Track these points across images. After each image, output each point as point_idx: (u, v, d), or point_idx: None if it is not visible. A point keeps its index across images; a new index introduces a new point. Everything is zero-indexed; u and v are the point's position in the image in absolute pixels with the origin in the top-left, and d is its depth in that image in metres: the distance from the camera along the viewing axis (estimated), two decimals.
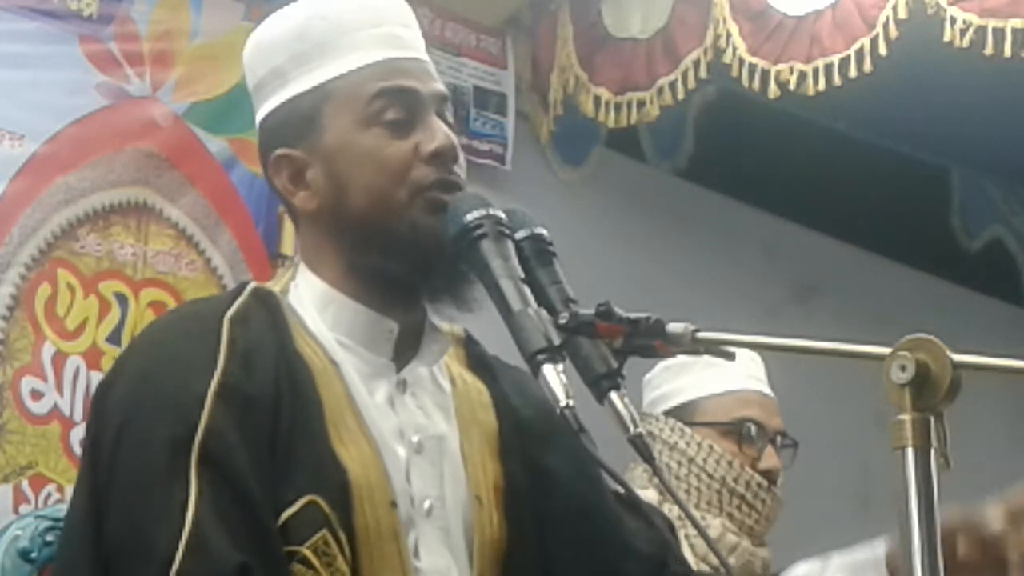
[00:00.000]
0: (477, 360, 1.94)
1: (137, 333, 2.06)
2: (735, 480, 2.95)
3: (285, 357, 1.75)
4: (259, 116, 1.89)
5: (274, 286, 1.86)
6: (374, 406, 1.78)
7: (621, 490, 1.84)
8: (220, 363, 1.70)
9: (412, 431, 1.80)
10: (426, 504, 1.77)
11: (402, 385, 1.82)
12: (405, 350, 1.84)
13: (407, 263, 1.79)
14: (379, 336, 1.82)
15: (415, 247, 1.77)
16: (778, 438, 3.03)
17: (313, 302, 1.83)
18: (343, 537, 1.68)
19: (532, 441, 1.87)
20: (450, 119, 1.86)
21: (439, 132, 1.80)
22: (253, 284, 1.84)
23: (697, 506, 2.95)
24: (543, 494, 1.85)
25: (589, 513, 1.87)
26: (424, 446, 1.80)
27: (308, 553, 1.67)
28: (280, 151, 1.85)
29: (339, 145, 1.81)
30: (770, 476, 3.00)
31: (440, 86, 1.86)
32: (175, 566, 1.59)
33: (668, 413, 3.05)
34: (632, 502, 1.89)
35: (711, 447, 2.97)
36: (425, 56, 1.89)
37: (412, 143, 1.80)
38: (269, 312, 1.79)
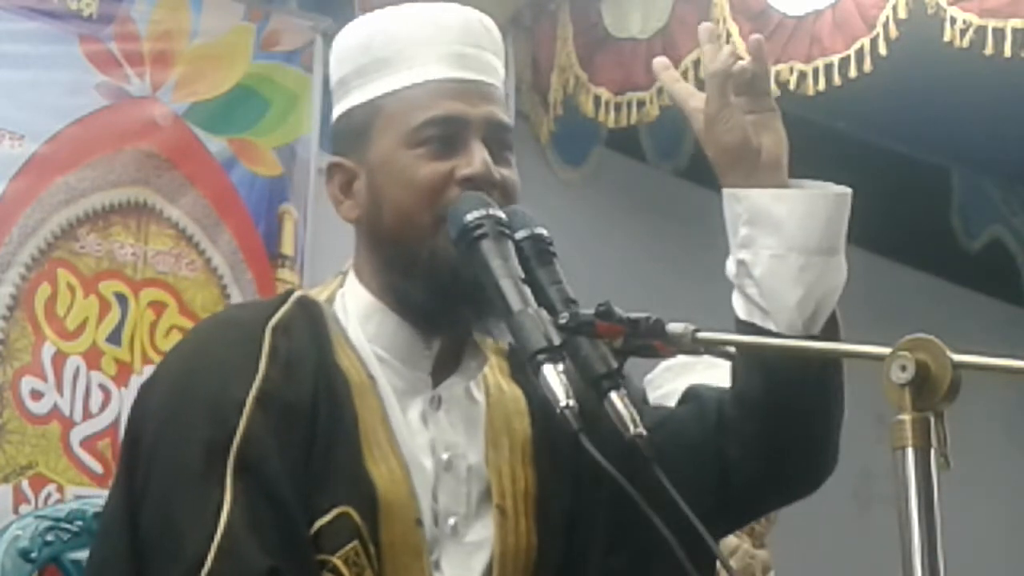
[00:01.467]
0: (520, 368, 1.93)
1: (180, 337, 2.07)
2: None
3: (325, 369, 1.76)
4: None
5: (320, 294, 1.87)
6: (406, 424, 1.78)
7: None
8: (261, 370, 1.71)
9: (442, 448, 1.80)
10: (451, 521, 1.78)
11: (436, 401, 1.82)
12: (445, 364, 1.84)
13: (425, 290, 1.78)
14: (418, 352, 1.82)
15: (432, 275, 1.77)
16: None
17: (357, 313, 1.83)
18: (372, 550, 1.70)
19: (568, 441, 1.87)
20: (507, 143, 1.83)
21: (477, 158, 1.78)
22: (298, 293, 1.84)
23: None
24: (585, 488, 1.84)
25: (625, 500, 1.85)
26: (453, 464, 1.80)
27: (339, 562, 1.68)
28: (334, 159, 1.87)
29: (381, 161, 1.81)
30: None
31: (494, 110, 1.83)
32: (205, 568, 1.61)
33: None
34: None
35: None
36: (488, 77, 1.85)
37: (449, 166, 1.78)
38: (312, 322, 1.80)
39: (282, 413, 1.70)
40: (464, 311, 1.78)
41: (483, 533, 1.79)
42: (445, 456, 1.80)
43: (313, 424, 1.71)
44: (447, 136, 1.79)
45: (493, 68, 1.87)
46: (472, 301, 1.75)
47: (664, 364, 3.05)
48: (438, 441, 1.80)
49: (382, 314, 1.82)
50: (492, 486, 1.81)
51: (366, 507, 1.70)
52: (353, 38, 1.89)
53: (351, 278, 1.86)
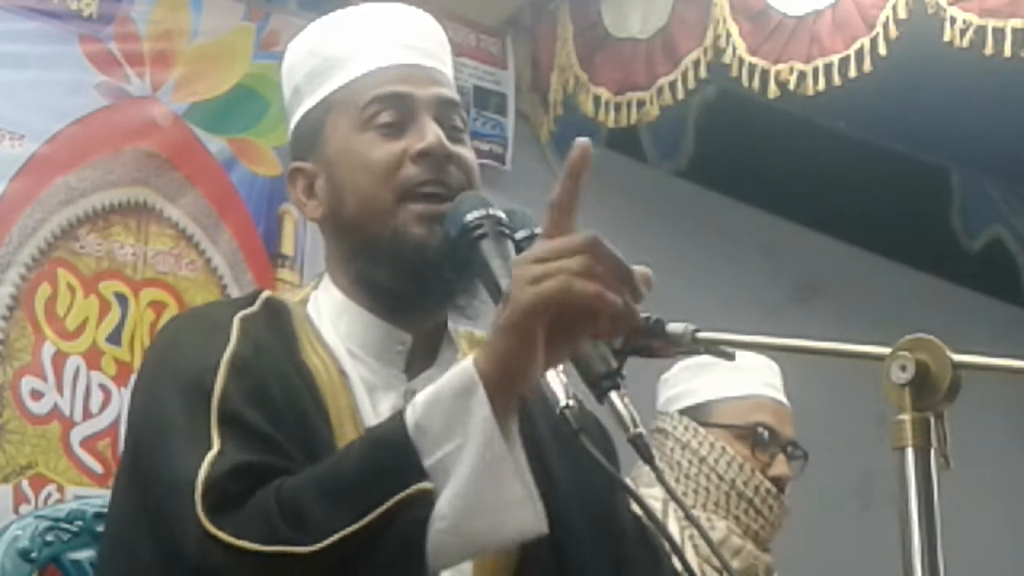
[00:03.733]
0: None
1: (151, 335, 2.07)
2: (745, 483, 2.95)
3: (293, 364, 1.76)
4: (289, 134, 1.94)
5: (294, 296, 1.89)
6: (376, 418, 1.78)
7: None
8: (232, 343, 1.72)
9: None
10: None
11: (410, 396, 1.82)
12: (420, 359, 1.84)
13: (391, 272, 1.79)
14: (390, 347, 1.83)
15: (397, 257, 1.78)
16: (789, 447, 3.03)
17: (329, 312, 1.84)
18: None
19: (547, 450, 1.87)
20: (459, 125, 1.86)
21: (429, 132, 1.81)
22: (266, 293, 1.86)
23: (704, 507, 2.95)
24: (555, 502, 1.84)
25: (598, 520, 1.86)
26: None
27: None
28: (295, 164, 1.90)
29: (337, 152, 1.84)
30: (779, 483, 2.99)
31: (443, 91, 1.86)
32: (203, 469, 1.58)
33: (683, 412, 3.05)
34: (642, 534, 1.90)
35: (724, 449, 2.96)
36: (434, 63, 1.88)
37: (403, 145, 1.81)
38: (278, 322, 1.81)
39: (255, 380, 1.69)
40: (433, 290, 1.79)
41: None
42: None
43: (287, 402, 1.70)
44: (397, 117, 1.81)
45: (439, 58, 1.90)
46: (439, 279, 1.76)
47: (682, 363, 3.06)
48: None
49: (353, 312, 1.83)
50: None
51: None
52: (300, 48, 1.92)
53: (324, 280, 1.88)
